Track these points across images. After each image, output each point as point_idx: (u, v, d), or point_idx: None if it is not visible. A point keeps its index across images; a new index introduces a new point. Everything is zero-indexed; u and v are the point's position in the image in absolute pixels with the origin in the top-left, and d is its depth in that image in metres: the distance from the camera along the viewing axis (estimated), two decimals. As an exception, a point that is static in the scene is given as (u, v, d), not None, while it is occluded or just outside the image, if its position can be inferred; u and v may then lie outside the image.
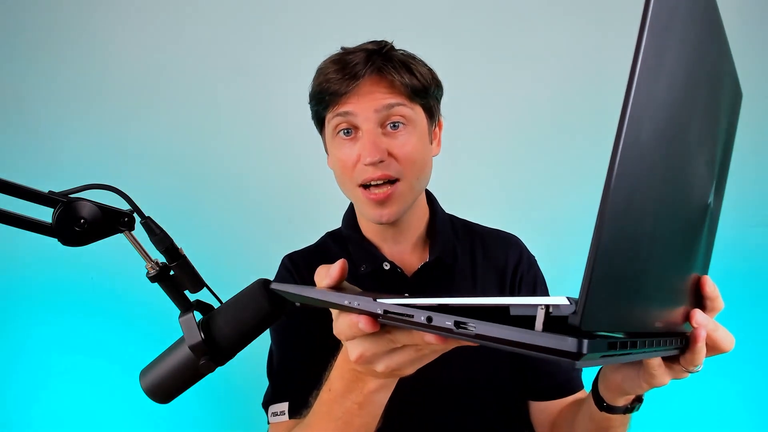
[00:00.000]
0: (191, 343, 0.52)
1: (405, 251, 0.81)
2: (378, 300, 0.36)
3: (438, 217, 0.83)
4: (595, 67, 1.51)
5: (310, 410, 0.55)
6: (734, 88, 0.41)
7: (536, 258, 0.89)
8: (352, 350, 0.41)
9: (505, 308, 0.30)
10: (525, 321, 0.28)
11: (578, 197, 1.52)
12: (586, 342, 0.24)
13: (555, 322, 0.27)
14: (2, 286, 1.45)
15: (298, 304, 0.46)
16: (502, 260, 0.84)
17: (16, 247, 1.41)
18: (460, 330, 0.31)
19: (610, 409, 0.56)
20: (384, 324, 0.37)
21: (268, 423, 0.73)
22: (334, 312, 0.43)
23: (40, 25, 1.46)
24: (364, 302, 0.37)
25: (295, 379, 0.73)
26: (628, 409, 0.57)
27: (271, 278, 0.70)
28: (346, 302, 0.38)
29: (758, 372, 1.49)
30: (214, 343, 0.53)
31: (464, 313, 0.31)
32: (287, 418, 0.70)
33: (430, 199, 0.86)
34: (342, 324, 0.40)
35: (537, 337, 0.26)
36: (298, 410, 0.69)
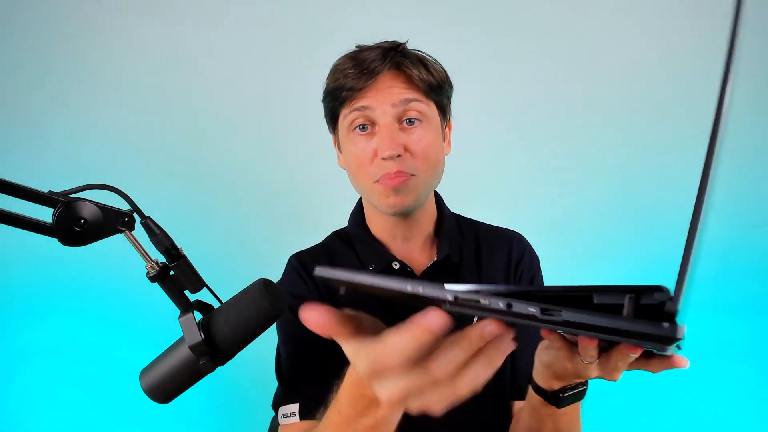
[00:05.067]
0: (191, 343, 0.52)
1: (414, 250, 0.82)
2: (447, 286, 0.32)
3: (445, 217, 0.84)
4: (599, 66, 1.51)
5: (320, 426, 0.52)
6: None
7: (540, 257, 0.89)
8: (383, 389, 0.33)
9: (586, 296, 0.30)
10: (604, 308, 0.28)
11: (582, 196, 1.52)
12: (680, 327, 0.26)
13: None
14: (2, 286, 1.45)
15: (342, 291, 0.41)
16: (505, 257, 0.85)
17: (16, 247, 1.41)
18: (545, 317, 0.29)
19: (539, 391, 0.57)
20: (452, 313, 0.32)
21: (278, 425, 0.72)
22: (358, 348, 0.34)
23: (41, 25, 1.46)
24: (430, 288, 0.32)
25: (305, 380, 0.72)
26: (560, 396, 0.56)
27: (273, 278, 0.70)
28: (409, 288, 0.33)
29: (758, 371, 1.49)
30: (214, 343, 0.53)
31: (541, 300, 0.30)
32: (298, 420, 0.69)
33: (437, 199, 0.86)
34: (399, 342, 0.31)
35: (631, 323, 0.27)
36: (309, 411, 0.68)
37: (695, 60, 1.45)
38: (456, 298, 0.32)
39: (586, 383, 0.57)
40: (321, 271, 0.42)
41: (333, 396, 0.48)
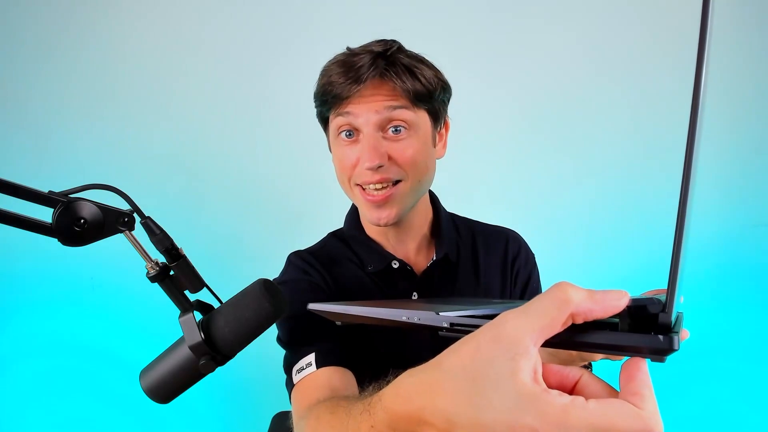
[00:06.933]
0: (191, 343, 0.52)
1: (410, 250, 0.82)
2: (441, 313, 0.34)
3: (442, 217, 0.84)
4: (596, 65, 1.51)
5: (349, 425, 0.44)
6: None
7: (537, 255, 0.90)
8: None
9: None
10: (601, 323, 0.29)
11: (578, 195, 1.52)
12: (676, 337, 0.27)
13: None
14: (2, 286, 1.45)
15: (338, 323, 0.42)
16: (501, 255, 0.85)
17: (16, 247, 1.41)
18: None
19: None
20: (446, 337, 0.34)
21: (292, 387, 0.68)
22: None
23: (41, 25, 1.46)
24: (426, 317, 0.35)
25: (316, 335, 0.70)
26: None
27: (272, 278, 0.70)
28: (404, 318, 0.35)
29: (758, 370, 1.49)
30: (214, 343, 0.53)
31: None
32: (315, 369, 0.66)
33: (433, 199, 0.86)
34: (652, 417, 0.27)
35: (631, 338, 0.28)
36: (325, 359, 0.66)
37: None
38: (451, 324, 0.34)
39: (589, 365, 0.62)
40: (315, 306, 0.42)
41: (367, 396, 0.41)
